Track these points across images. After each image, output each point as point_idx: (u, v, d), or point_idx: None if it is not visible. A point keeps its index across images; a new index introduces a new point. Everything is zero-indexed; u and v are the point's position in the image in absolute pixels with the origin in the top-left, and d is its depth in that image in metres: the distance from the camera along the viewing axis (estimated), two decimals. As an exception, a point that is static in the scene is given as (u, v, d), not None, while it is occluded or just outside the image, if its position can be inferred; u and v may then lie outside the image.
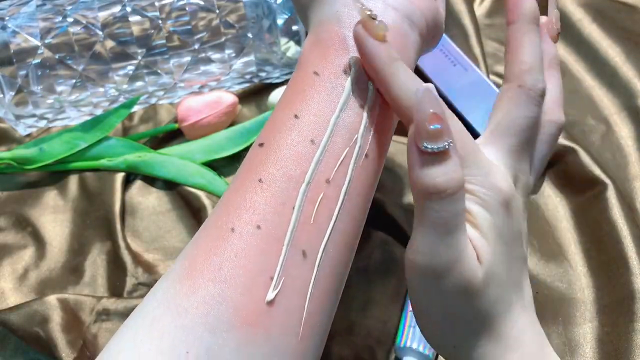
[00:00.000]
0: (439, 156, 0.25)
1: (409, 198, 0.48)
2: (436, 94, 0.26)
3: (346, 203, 0.28)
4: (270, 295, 0.25)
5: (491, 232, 0.27)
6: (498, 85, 0.53)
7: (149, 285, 0.44)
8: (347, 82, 0.29)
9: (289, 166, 0.27)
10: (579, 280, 0.44)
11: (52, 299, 0.41)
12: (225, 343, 0.24)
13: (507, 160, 0.30)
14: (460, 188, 0.25)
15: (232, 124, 0.53)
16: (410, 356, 0.40)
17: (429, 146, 0.25)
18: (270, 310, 0.25)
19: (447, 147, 0.25)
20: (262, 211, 0.26)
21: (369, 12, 0.27)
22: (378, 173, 0.30)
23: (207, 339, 0.24)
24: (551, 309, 0.43)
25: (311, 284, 0.26)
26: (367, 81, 0.29)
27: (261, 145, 0.29)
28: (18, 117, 0.50)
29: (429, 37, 0.33)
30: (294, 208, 0.27)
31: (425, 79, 0.53)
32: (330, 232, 0.27)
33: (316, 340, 0.27)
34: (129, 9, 0.48)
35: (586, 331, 0.41)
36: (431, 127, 0.25)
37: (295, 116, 0.28)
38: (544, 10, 0.61)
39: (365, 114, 0.29)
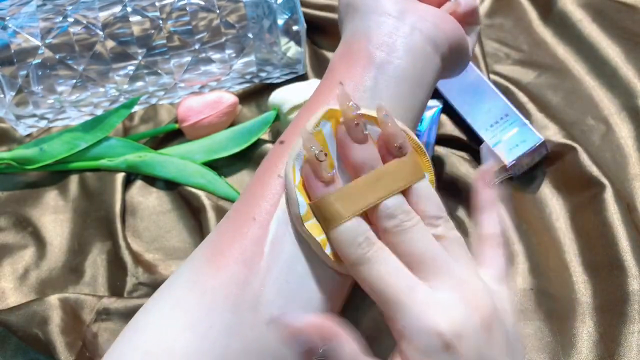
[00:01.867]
0: None
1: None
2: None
3: None
4: None
5: None
6: (498, 85, 0.53)
7: (149, 285, 0.44)
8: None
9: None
10: (574, 280, 0.44)
11: (52, 299, 0.41)
12: (245, 321, 0.27)
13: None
14: None
15: (232, 124, 0.53)
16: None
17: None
18: None
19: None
20: (281, 203, 0.29)
21: (315, 153, 0.28)
22: None
23: (228, 317, 0.27)
24: (546, 308, 0.43)
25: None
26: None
27: (282, 142, 0.31)
28: (18, 117, 0.50)
29: (451, 62, 0.36)
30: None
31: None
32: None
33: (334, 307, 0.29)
34: (129, 9, 0.48)
35: (580, 332, 0.41)
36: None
37: None
38: (545, 10, 0.61)
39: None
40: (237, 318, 0.27)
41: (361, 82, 0.31)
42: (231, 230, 0.29)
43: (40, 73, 0.47)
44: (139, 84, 0.51)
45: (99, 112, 0.52)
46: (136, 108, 0.54)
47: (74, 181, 0.50)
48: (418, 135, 0.49)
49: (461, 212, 0.48)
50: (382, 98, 0.31)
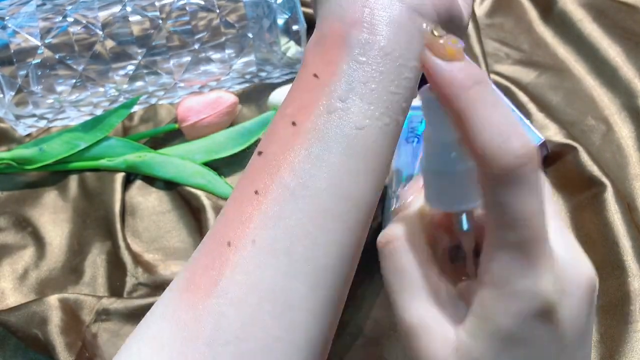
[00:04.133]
0: None
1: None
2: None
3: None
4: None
5: (511, 347, 0.23)
6: (498, 85, 0.53)
7: (148, 286, 0.44)
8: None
9: (284, 178, 0.27)
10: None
11: (52, 299, 0.41)
12: (222, 356, 0.25)
13: (568, 235, 0.26)
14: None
15: (232, 124, 0.53)
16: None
17: None
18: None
19: None
20: (258, 225, 0.26)
21: (430, 30, 0.23)
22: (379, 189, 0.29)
23: (204, 352, 0.25)
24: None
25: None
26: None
27: (260, 154, 0.28)
28: (18, 117, 0.50)
29: None
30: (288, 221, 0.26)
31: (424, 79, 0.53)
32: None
33: (314, 351, 0.27)
34: (129, 9, 0.48)
35: (583, 332, 0.41)
36: None
37: (293, 123, 0.28)
38: (546, 10, 0.61)
39: None
40: (214, 353, 0.25)
41: (337, 69, 0.27)
42: (204, 258, 0.27)
43: (39, 73, 0.47)
44: (139, 83, 0.51)
45: (99, 112, 0.52)
46: (136, 108, 0.54)
47: (73, 181, 0.50)
48: (418, 136, 0.49)
49: (461, 212, 0.48)
50: (362, 84, 0.27)
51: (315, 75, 0.28)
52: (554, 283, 0.22)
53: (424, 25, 0.25)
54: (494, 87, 0.21)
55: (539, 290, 0.21)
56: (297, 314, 0.26)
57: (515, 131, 0.21)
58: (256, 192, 0.27)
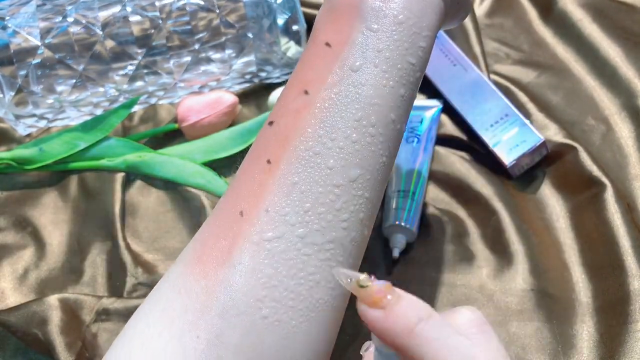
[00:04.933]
0: None
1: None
2: None
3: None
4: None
5: None
6: (498, 85, 0.53)
7: (148, 286, 0.44)
8: None
9: (297, 147, 0.26)
10: (574, 280, 0.44)
11: (52, 299, 0.41)
12: (235, 327, 0.25)
13: None
14: None
15: (232, 124, 0.53)
16: (398, 233, 0.44)
17: None
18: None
19: None
20: (271, 193, 0.26)
21: (355, 282, 0.21)
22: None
23: (217, 324, 0.25)
24: (546, 308, 0.43)
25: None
26: None
27: (271, 124, 0.28)
28: (18, 117, 0.50)
29: (454, 2, 0.30)
30: (301, 189, 0.26)
31: (425, 78, 0.53)
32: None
33: (326, 321, 0.27)
34: (129, 9, 0.48)
35: (581, 332, 0.41)
36: None
37: (306, 92, 0.27)
38: (545, 10, 0.61)
39: None
40: (227, 324, 0.25)
41: (349, 38, 0.27)
42: (216, 228, 0.27)
43: (39, 73, 0.47)
44: (139, 83, 0.51)
45: (99, 112, 0.52)
46: (136, 108, 0.54)
47: (73, 181, 0.50)
48: (418, 136, 0.49)
49: (461, 213, 0.48)
50: (376, 52, 0.27)
51: (327, 44, 0.27)
52: None
53: (349, 279, 0.21)
54: (436, 317, 0.21)
55: None
56: (312, 284, 0.26)
57: None
58: (268, 162, 0.26)
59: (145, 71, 0.50)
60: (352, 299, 0.27)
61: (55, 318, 0.41)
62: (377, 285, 0.21)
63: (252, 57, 0.52)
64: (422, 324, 0.20)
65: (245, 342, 0.25)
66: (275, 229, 0.25)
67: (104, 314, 0.42)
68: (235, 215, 0.26)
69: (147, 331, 0.25)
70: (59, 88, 0.49)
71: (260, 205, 0.26)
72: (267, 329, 0.25)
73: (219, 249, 0.26)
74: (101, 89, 0.50)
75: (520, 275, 0.44)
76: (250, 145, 0.50)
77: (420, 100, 0.53)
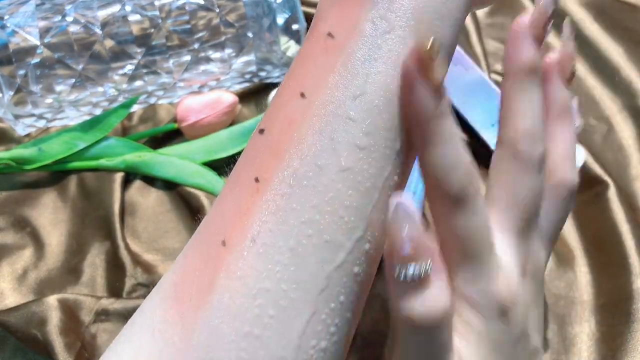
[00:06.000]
0: (417, 284, 0.21)
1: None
2: (412, 207, 0.21)
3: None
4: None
5: (484, 344, 0.24)
6: (499, 85, 0.53)
7: (148, 286, 0.44)
8: None
9: (291, 162, 0.22)
10: (577, 279, 0.44)
11: (51, 299, 0.41)
12: None
13: (514, 245, 0.25)
14: (443, 319, 0.22)
15: (232, 124, 0.53)
16: None
17: (402, 274, 0.21)
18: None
19: (425, 272, 0.21)
20: (258, 219, 0.22)
21: (431, 42, 0.20)
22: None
23: None
24: (548, 307, 0.43)
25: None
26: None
27: (261, 132, 0.23)
28: (17, 117, 0.49)
29: None
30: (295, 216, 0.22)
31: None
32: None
33: None
34: (128, 8, 0.48)
35: (582, 330, 0.41)
36: (404, 252, 0.21)
37: (302, 95, 0.23)
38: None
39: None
40: None
41: (357, 29, 0.22)
42: (196, 258, 0.23)
43: (38, 72, 0.47)
44: (138, 83, 0.50)
45: (98, 111, 0.52)
46: (135, 108, 0.53)
47: (72, 181, 0.50)
48: None
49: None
50: (386, 47, 0.22)
51: (330, 35, 0.23)
52: (506, 285, 0.24)
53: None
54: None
55: (492, 292, 0.23)
56: (308, 329, 0.22)
57: (460, 160, 0.23)
58: (256, 180, 0.22)
59: (144, 71, 0.50)
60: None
61: (54, 318, 0.41)
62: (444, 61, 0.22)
63: (252, 57, 0.52)
64: (437, 120, 0.23)
65: None
66: (263, 263, 0.21)
67: (103, 315, 0.42)
68: (217, 244, 0.22)
69: None
70: (58, 88, 0.48)
71: (246, 234, 0.22)
72: None
73: (198, 284, 0.22)
74: (100, 89, 0.50)
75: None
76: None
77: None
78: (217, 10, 0.49)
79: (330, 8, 0.24)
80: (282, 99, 0.24)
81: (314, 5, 0.58)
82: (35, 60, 0.47)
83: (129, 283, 0.44)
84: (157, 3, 0.48)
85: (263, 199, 0.22)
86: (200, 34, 0.49)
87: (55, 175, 0.51)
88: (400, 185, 0.24)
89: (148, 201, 0.50)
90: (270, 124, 0.23)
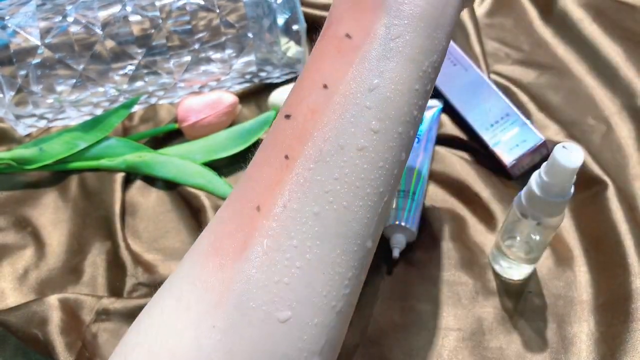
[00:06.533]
0: None
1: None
2: None
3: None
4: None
5: None
6: (498, 85, 0.53)
7: (148, 286, 0.44)
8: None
9: (316, 142, 0.26)
10: (576, 279, 0.44)
11: (52, 299, 0.41)
12: (251, 319, 0.25)
13: None
14: None
15: (232, 124, 0.53)
16: (398, 233, 0.45)
17: None
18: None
19: None
20: (289, 190, 0.26)
21: None
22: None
23: (233, 315, 0.25)
24: (547, 307, 0.43)
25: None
26: None
27: (287, 117, 0.27)
28: (18, 117, 0.50)
29: None
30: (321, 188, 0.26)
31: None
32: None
33: (337, 318, 0.27)
34: (129, 9, 0.48)
35: (581, 330, 0.41)
36: None
37: (325, 86, 0.27)
38: (546, 10, 0.61)
39: None
40: (242, 316, 0.25)
41: (372, 32, 0.26)
42: (232, 221, 0.27)
43: (39, 73, 0.47)
44: (139, 83, 0.51)
45: (99, 112, 0.52)
46: (136, 108, 0.54)
47: (73, 181, 0.50)
48: (418, 136, 0.49)
49: (461, 212, 0.48)
50: (397, 48, 0.27)
51: (348, 36, 0.27)
52: None
53: None
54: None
55: None
56: (327, 279, 0.26)
57: None
58: (286, 157, 0.26)
59: (145, 71, 0.50)
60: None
61: (55, 318, 0.41)
62: None
63: (252, 57, 0.52)
64: None
65: (261, 334, 0.25)
66: (293, 226, 0.26)
67: (104, 314, 0.42)
68: (252, 209, 0.26)
69: (162, 321, 0.26)
70: (59, 88, 0.49)
71: (277, 201, 0.26)
72: (284, 322, 0.25)
73: (235, 241, 0.26)
74: (101, 89, 0.50)
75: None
76: (250, 146, 0.51)
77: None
78: (218, 10, 0.49)
79: (345, 13, 0.28)
80: (305, 88, 0.27)
81: (314, 6, 0.59)
82: (36, 60, 0.47)
83: (129, 283, 0.44)
84: (157, 4, 0.48)
85: (293, 173, 0.26)
86: (201, 35, 0.49)
87: (56, 175, 0.51)
88: (406, 162, 0.29)
89: (149, 201, 0.50)
90: (295, 110, 0.27)
